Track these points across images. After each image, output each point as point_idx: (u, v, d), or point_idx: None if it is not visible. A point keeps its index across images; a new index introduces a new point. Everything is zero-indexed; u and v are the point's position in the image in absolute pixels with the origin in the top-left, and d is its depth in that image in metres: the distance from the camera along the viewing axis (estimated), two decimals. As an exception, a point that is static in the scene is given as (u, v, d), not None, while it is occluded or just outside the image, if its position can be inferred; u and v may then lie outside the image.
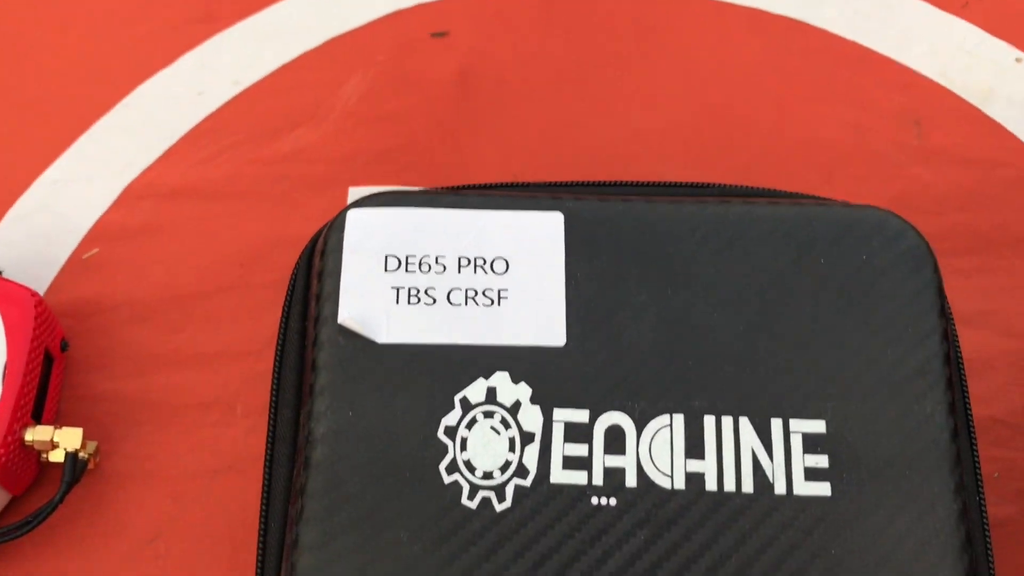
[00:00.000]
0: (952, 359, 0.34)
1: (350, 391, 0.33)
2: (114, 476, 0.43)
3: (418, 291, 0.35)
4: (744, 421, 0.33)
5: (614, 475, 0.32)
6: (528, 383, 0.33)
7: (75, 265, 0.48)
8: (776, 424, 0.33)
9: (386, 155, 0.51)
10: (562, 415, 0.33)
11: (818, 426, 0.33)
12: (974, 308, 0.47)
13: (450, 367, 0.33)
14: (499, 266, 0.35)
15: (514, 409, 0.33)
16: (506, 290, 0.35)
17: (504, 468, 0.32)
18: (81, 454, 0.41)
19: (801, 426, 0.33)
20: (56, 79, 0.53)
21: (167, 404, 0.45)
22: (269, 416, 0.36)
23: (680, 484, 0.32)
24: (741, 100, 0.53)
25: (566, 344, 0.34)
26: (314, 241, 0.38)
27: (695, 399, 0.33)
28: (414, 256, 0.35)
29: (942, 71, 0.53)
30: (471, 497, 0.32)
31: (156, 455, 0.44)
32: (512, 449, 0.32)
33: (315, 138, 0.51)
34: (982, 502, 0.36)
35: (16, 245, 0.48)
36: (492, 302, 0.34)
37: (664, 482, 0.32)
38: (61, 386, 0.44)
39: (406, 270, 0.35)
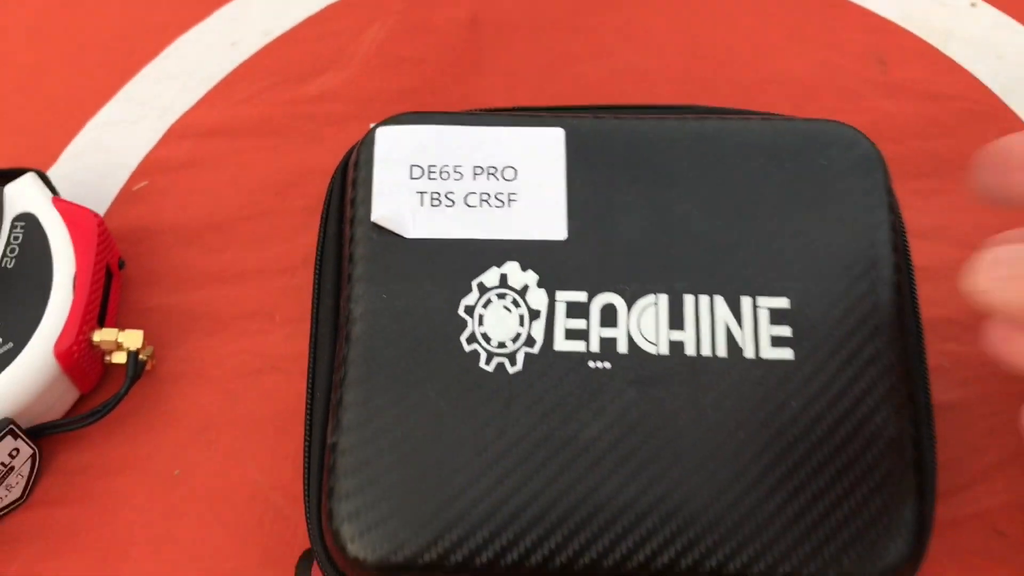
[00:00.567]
0: (900, 248, 0.39)
1: (383, 278, 0.38)
2: (168, 376, 0.47)
3: (439, 195, 0.40)
4: (719, 299, 0.38)
5: (608, 343, 0.37)
6: (535, 270, 0.38)
7: (126, 196, 0.52)
8: (746, 301, 0.38)
9: (404, 95, 0.54)
10: (564, 296, 0.38)
11: (782, 302, 0.38)
12: (930, 224, 0.50)
13: (468, 257, 0.38)
14: (508, 173, 0.40)
15: (523, 292, 0.38)
16: (515, 193, 0.40)
17: (515, 339, 0.38)
18: (141, 356, 0.46)
19: (767, 303, 0.38)
20: (103, 33, 0.57)
21: (213, 315, 0.49)
22: (312, 304, 0.41)
23: (664, 350, 0.37)
24: (721, 39, 0.56)
25: (567, 238, 0.39)
26: (347, 158, 0.44)
27: (677, 281, 0.38)
28: (435, 166, 0.40)
29: (905, 15, 0.57)
30: (488, 362, 0.37)
31: (205, 358, 0.48)
32: (522, 324, 0.38)
33: (339, 81, 0.55)
34: (926, 380, 0.41)
35: (73, 180, 0.51)
36: (503, 204, 0.39)
37: (651, 349, 0.37)
38: (120, 300, 0.48)
39: (428, 177, 0.40)
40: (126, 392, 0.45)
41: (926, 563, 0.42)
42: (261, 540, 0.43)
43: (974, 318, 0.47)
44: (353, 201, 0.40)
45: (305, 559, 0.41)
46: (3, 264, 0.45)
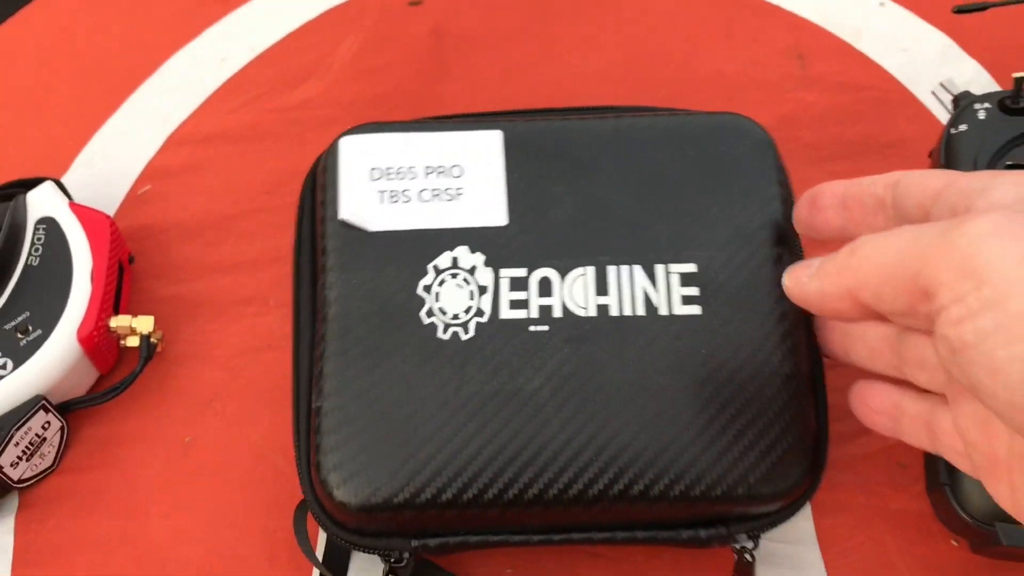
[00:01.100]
0: (788, 218, 0.46)
1: (352, 265, 0.45)
2: (176, 357, 0.53)
3: (397, 192, 0.46)
4: (637, 268, 0.44)
5: (545, 310, 0.44)
6: (482, 252, 0.45)
7: (132, 199, 0.58)
8: (659, 268, 0.44)
9: (377, 100, 0.60)
10: (507, 272, 0.44)
11: (690, 268, 0.44)
12: None
13: (424, 244, 0.45)
14: (456, 171, 0.46)
15: (472, 271, 0.45)
16: (462, 188, 0.46)
17: (467, 311, 0.44)
18: (152, 339, 0.52)
19: (677, 268, 0.44)
20: (104, 54, 0.63)
21: (214, 301, 0.54)
22: (293, 291, 0.48)
23: (592, 312, 0.44)
24: (659, 42, 0.62)
25: (508, 223, 0.45)
26: (316, 164, 0.50)
27: (601, 255, 0.44)
28: (392, 168, 0.46)
29: (822, 15, 0.62)
30: (444, 332, 0.44)
31: (208, 340, 0.53)
32: (472, 298, 0.44)
33: (319, 89, 0.61)
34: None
35: (85, 185, 0.57)
36: (452, 197, 0.46)
37: (581, 312, 0.44)
38: (131, 291, 0.55)
39: (387, 178, 0.46)
40: (141, 370, 0.51)
41: (840, 490, 0.48)
42: (264, 495, 0.49)
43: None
44: (323, 202, 0.47)
45: (301, 508, 0.47)
46: (29, 262, 0.51)
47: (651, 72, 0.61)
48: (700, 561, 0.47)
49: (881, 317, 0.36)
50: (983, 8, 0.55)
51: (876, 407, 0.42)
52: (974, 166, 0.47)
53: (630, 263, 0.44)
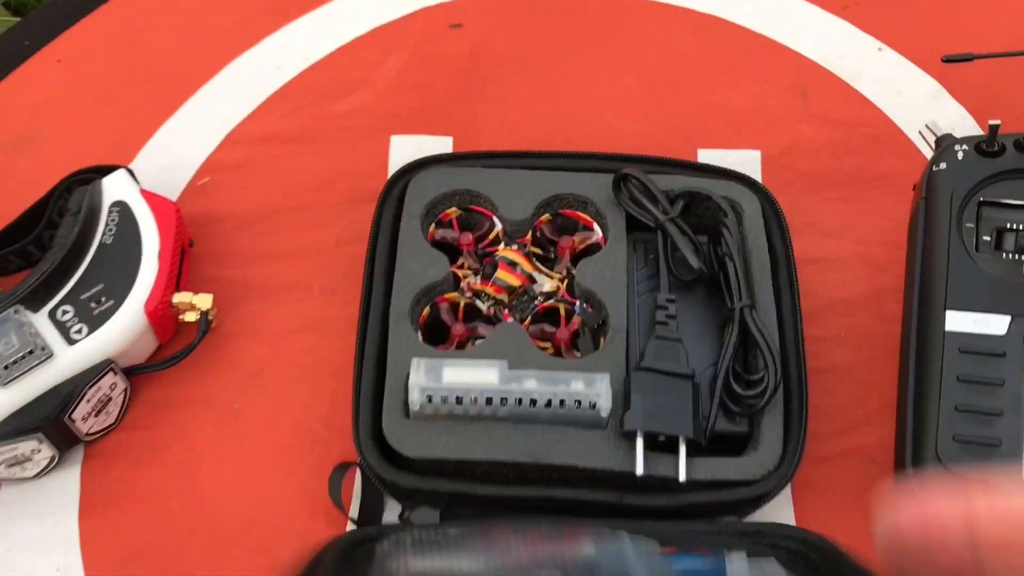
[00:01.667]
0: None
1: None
2: (228, 333, 0.58)
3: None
4: None
5: None
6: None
7: (192, 191, 0.63)
8: None
9: (417, 113, 0.66)
10: None
11: None
12: (838, 225, 0.62)
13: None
14: None
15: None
16: None
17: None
18: (209, 315, 0.57)
19: None
20: (168, 57, 0.69)
21: (263, 286, 0.60)
22: (366, 262, 0.56)
23: None
24: (674, 73, 0.68)
25: None
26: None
27: None
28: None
29: (824, 56, 0.68)
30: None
31: (256, 319, 0.59)
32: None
33: (366, 100, 0.66)
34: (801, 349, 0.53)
35: (149, 177, 0.62)
36: None
37: None
38: (189, 272, 0.60)
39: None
40: (198, 342, 0.57)
41: (820, 484, 0.54)
42: (304, 459, 0.55)
43: (865, 299, 0.60)
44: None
45: (339, 469, 0.53)
46: (103, 240, 0.57)
47: (666, 99, 0.67)
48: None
49: None
50: (969, 59, 0.61)
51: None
52: (951, 199, 0.53)
53: None
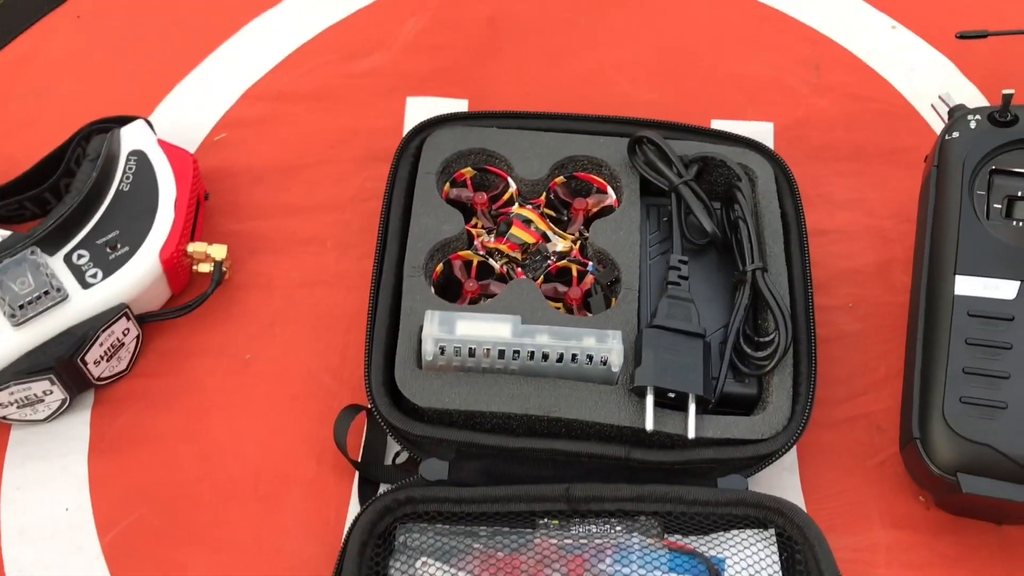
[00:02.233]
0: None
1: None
2: (241, 285, 0.59)
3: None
4: None
5: None
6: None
7: (209, 145, 0.64)
8: None
9: (434, 74, 0.66)
10: None
11: None
12: (849, 197, 0.62)
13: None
14: None
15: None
16: None
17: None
18: (223, 266, 0.58)
19: None
20: (192, 9, 0.69)
21: (278, 239, 0.60)
22: (382, 215, 0.56)
23: None
24: (689, 42, 0.68)
25: None
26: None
27: None
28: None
29: (838, 31, 0.69)
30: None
31: (270, 273, 0.59)
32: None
33: (384, 61, 0.67)
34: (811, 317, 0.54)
35: (167, 129, 0.62)
36: None
37: None
38: (203, 224, 0.60)
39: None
40: (211, 292, 0.57)
41: (824, 448, 0.55)
42: (313, 408, 0.55)
43: (874, 270, 0.61)
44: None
45: (346, 411, 0.53)
46: (120, 188, 0.57)
47: (680, 68, 0.68)
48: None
49: None
50: (984, 36, 0.61)
51: None
52: (962, 168, 0.54)
53: None
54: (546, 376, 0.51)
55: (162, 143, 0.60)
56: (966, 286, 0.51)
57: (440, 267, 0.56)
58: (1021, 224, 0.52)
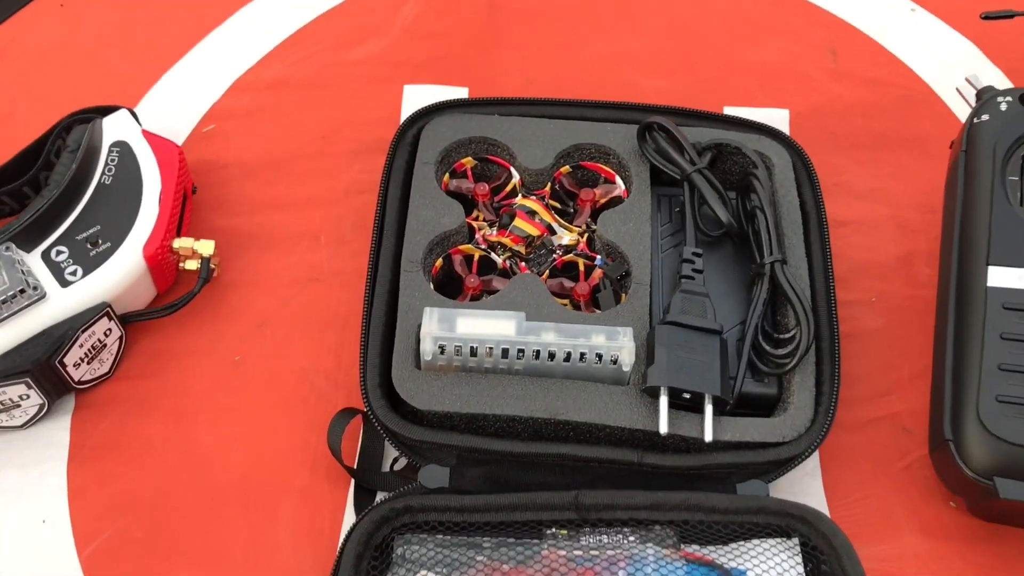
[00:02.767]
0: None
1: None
2: (231, 283, 0.56)
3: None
4: None
5: None
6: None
7: (197, 137, 0.61)
8: None
9: (431, 62, 0.64)
10: None
11: None
12: (868, 187, 0.60)
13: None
14: None
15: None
16: None
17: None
18: (212, 263, 0.55)
19: None
20: (175, 3, 0.67)
21: (268, 235, 0.58)
22: (378, 207, 0.53)
23: None
24: (702, 29, 0.66)
25: None
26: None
27: None
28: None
29: (855, 14, 0.66)
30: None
31: (261, 269, 0.57)
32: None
33: (378, 49, 0.65)
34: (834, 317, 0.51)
35: (153, 121, 0.59)
36: None
37: None
38: (191, 219, 0.58)
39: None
40: (199, 290, 0.55)
41: (847, 450, 0.52)
42: (305, 411, 0.52)
43: (897, 263, 0.58)
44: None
45: (341, 415, 0.50)
46: (102, 180, 0.54)
47: (691, 54, 0.65)
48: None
49: None
50: (1011, 16, 0.58)
51: None
52: (993, 152, 0.51)
53: None
54: (553, 376, 0.48)
55: (147, 134, 0.57)
56: (999, 277, 0.48)
57: (439, 262, 0.53)
58: (1057, 211, 0.49)
